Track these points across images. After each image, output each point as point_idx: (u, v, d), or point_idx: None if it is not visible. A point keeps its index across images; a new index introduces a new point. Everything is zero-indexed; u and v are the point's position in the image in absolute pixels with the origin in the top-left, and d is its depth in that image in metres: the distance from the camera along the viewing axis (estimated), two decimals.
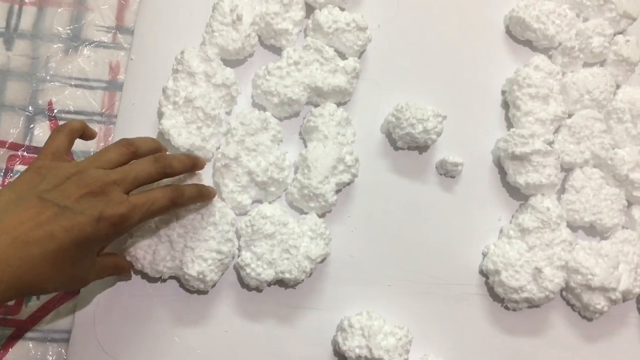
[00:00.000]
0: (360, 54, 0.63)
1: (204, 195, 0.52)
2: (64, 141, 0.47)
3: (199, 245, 0.54)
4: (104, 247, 0.50)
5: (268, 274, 0.54)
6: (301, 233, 0.55)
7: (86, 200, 0.43)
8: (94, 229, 0.42)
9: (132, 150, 0.48)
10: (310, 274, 0.56)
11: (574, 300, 0.59)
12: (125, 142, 0.48)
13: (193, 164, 0.52)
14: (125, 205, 0.44)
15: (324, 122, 0.58)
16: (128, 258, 0.53)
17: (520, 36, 0.66)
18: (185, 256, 0.53)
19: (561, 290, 0.59)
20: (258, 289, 0.56)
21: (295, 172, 0.58)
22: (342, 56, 0.61)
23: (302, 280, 0.56)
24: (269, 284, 0.56)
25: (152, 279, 0.55)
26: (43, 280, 0.42)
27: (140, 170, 0.46)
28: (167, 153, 0.51)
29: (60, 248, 0.41)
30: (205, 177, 0.56)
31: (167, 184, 0.51)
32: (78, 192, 0.43)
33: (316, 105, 0.61)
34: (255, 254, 0.54)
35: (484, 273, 0.59)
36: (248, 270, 0.54)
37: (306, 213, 0.58)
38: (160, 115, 0.57)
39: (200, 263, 0.53)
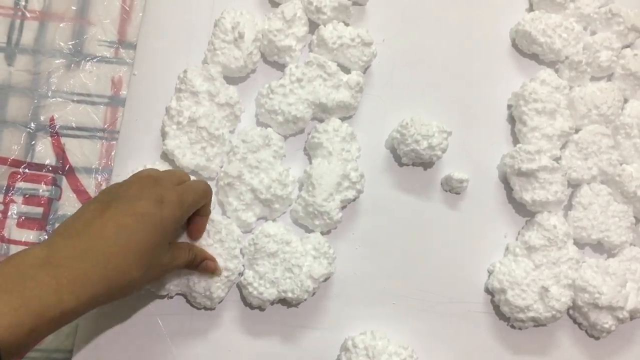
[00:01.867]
0: (365, 69, 0.62)
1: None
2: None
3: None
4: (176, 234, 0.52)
5: (270, 293, 0.54)
6: (304, 252, 0.55)
7: (145, 189, 0.45)
8: (160, 211, 0.44)
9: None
10: (314, 293, 0.56)
11: (581, 319, 0.59)
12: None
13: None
14: (177, 189, 0.47)
15: (329, 138, 0.57)
16: None
17: (527, 50, 0.65)
18: (192, 273, 0.53)
19: (568, 309, 0.59)
20: (260, 308, 0.56)
21: (300, 189, 0.58)
22: (347, 71, 0.61)
23: (305, 300, 0.55)
24: (272, 303, 0.55)
25: (157, 297, 0.55)
26: (126, 271, 0.42)
27: (176, 172, 0.51)
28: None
29: (134, 235, 0.43)
30: None
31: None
32: (136, 187, 0.46)
33: (321, 121, 0.60)
34: (258, 272, 0.54)
35: (489, 291, 0.59)
36: (250, 289, 0.54)
37: (311, 230, 0.57)
38: (164, 135, 0.56)
39: (206, 280, 0.53)
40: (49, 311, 0.37)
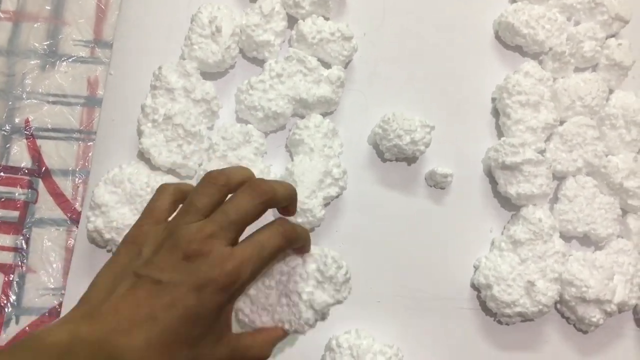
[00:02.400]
0: (346, 64, 0.61)
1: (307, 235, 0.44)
2: (165, 201, 0.41)
3: None
4: (229, 318, 0.40)
5: (264, 322, 0.45)
6: (306, 274, 0.46)
7: (183, 267, 0.36)
8: (198, 300, 0.35)
9: (222, 184, 0.39)
10: (314, 325, 0.47)
11: (569, 313, 0.58)
12: (211, 177, 0.40)
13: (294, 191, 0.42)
14: (231, 262, 0.36)
15: (310, 134, 0.57)
16: None
17: (510, 42, 0.65)
18: None
19: (555, 303, 0.58)
20: None
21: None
22: (328, 66, 0.60)
23: (304, 334, 0.46)
24: None
25: None
26: None
27: (237, 210, 0.38)
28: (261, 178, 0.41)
29: (165, 330, 0.34)
30: None
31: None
32: (172, 260, 0.36)
33: (302, 117, 0.59)
34: (249, 296, 0.45)
35: (475, 287, 0.58)
36: (241, 316, 0.46)
37: None
38: (140, 133, 0.55)
39: None
40: None
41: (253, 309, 0.45)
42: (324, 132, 0.57)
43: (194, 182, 0.56)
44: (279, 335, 0.44)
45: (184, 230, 0.37)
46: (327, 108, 0.59)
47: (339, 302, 0.47)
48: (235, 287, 0.36)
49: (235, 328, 0.44)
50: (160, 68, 0.56)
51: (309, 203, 0.54)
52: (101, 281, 0.38)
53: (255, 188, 0.39)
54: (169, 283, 0.35)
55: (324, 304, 0.46)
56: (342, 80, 0.58)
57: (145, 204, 0.44)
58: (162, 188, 0.42)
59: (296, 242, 0.42)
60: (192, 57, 0.57)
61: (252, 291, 0.45)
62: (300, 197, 0.54)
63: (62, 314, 0.53)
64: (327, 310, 0.47)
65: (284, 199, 0.41)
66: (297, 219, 0.55)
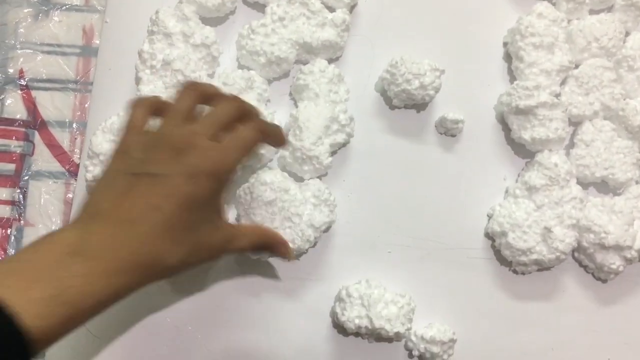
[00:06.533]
0: (352, 7, 0.59)
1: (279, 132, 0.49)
2: (142, 113, 0.44)
3: None
4: (221, 205, 0.44)
5: None
6: (304, 200, 0.51)
7: (174, 160, 0.40)
8: (194, 186, 0.39)
9: (200, 91, 0.44)
10: (315, 244, 0.53)
11: (587, 260, 0.56)
12: (190, 85, 0.45)
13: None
14: (215, 151, 0.41)
15: (315, 79, 0.54)
16: None
17: None
18: None
19: (573, 251, 0.56)
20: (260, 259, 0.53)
21: (287, 135, 0.55)
22: (332, 11, 0.57)
23: (306, 251, 0.52)
24: (270, 256, 0.52)
25: None
26: (162, 256, 0.39)
27: (220, 111, 0.43)
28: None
29: (167, 217, 0.38)
30: None
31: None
32: (164, 156, 0.40)
33: (305, 64, 0.57)
34: (255, 222, 0.51)
35: (489, 236, 0.56)
36: None
37: (300, 178, 0.54)
38: (138, 80, 0.53)
39: None
40: (82, 301, 0.35)
41: None
42: (329, 77, 0.55)
43: None
44: (273, 234, 0.49)
45: (172, 130, 0.41)
46: (332, 53, 0.57)
47: (332, 221, 0.53)
48: (222, 173, 0.41)
49: None
50: (157, 12, 0.54)
51: (315, 150, 0.52)
52: (100, 187, 0.40)
53: (230, 97, 0.45)
54: (165, 175, 0.39)
55: (321, 222, 0.51)
56: (347, 23, 0.56)
57: None
58: (137, 102, 0.44)
59: (269, 135, 0.47)
60: (190, 1, 0.55)
61: (257, 218, 0.50)
62: (305, 144, 0.52)
63: None
64: (324, 227, 0.52)
65: (255, 112, 0.46)
66: (304, 167, 0.53)
